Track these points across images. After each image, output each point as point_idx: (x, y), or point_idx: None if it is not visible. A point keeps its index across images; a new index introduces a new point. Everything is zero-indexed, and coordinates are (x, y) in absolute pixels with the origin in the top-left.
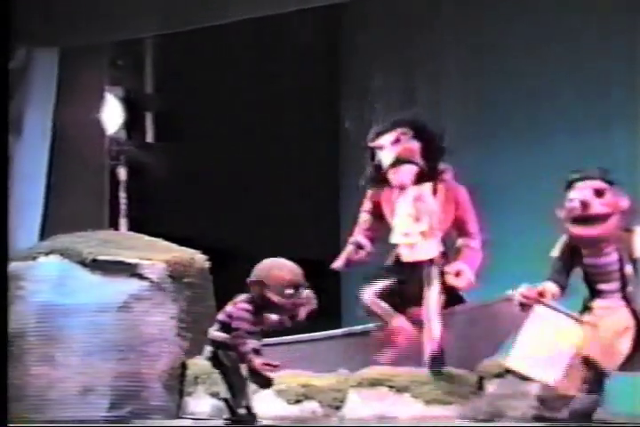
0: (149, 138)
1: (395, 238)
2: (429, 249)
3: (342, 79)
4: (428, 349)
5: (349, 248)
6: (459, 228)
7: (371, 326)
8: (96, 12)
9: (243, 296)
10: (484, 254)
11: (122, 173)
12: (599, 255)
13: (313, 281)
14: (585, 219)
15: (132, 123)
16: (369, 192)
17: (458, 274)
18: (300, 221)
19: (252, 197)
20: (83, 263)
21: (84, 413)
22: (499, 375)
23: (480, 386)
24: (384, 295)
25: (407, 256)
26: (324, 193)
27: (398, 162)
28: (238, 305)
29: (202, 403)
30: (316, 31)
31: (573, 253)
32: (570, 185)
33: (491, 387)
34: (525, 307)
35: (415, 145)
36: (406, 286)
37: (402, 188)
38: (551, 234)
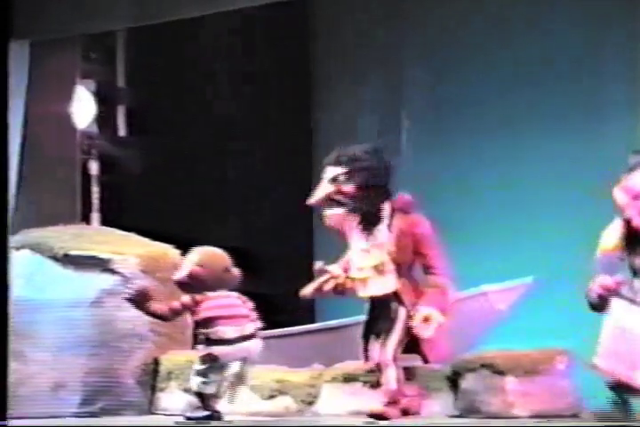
0: (121, 132)
1: (353, 273)
2: (384, 284)
3: (317, 73)
4: (382, 399)
5: (322, 278)
6: (421, 262)
7: (345, 320)
8: (67, 3)
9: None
10: (451, 289)
11: (93, 168)
12: None
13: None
14: None
15: (104, 116)
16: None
17: (426, 320)
18: (274, 217)
19: (225, 190)
20: (54, 258)
21: (55, 409)
22: (473, 370)
23: (455, 381)
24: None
25: (361, 291)
26: (298, 185)
27: (325, 201)
28: None
29: (174, 399)
30: (290, 26)
31: (629, 243)
32: (635, 167)
33: (465, 382)
34: (602, 299)
35: (350, 188)
36: (378, 322)
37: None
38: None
